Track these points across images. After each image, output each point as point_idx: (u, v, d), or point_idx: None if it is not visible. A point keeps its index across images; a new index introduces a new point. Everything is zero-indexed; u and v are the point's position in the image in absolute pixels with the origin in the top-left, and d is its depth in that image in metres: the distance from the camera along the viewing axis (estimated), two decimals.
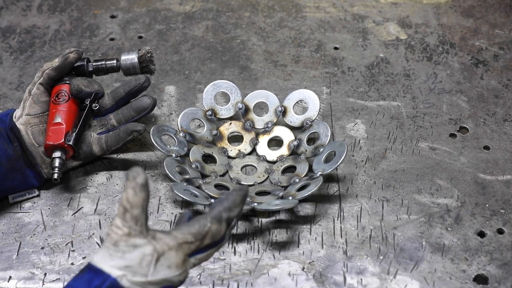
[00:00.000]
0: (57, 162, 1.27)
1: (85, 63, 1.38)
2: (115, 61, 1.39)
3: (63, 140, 1.28)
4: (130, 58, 1.39)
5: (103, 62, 1.39)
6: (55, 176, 1.27)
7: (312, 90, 1.47)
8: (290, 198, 1.29)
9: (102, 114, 1.38)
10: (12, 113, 1.34)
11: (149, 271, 0.96)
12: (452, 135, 1.47)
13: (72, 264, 1.24)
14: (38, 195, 1.33)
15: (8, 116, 1.32)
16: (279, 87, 1.58)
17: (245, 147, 1.45)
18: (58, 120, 1.30)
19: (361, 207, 1.34)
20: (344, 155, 1.31)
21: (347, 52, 1.67)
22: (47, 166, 1.32)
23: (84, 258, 1.25)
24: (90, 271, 0.96)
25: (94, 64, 1.39)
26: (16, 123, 1.31)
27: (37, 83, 1.33)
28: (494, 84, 1.59)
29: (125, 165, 1.41)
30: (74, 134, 1.29)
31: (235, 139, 1.47)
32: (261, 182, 1.40)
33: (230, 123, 1.47)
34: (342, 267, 1.24)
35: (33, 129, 1.31)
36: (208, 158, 1.42)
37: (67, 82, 1.35)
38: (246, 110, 1.47)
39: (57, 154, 1.28)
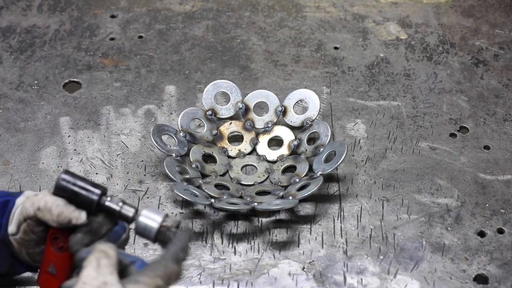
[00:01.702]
0: None
1: (98, 197, 1.03)
2: (133, 212, 1.04)
3: None
4: (151, 221, 1.03)
5: (120, 206, 1.04)
6: None
7: (312, 90, 1.47)
8: (290, 198, 1.29)
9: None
10: (9, 214, 1.07)
11: None
12: (452, 135, 1.47)
13: None
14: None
15: (4, 222, 1.07)
16: (279, 87, 1.58)
17: (245, 147, 1.45)
18: (51, 270, 1.06)
19: (361, 207, 1.34)
20: (344, 155, 1.31)
21: (347, 52, 1.67)
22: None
23: None
24: None
25: (108, 203, 1.04)
26: (10, 237, 1.07)
27: (32, 219, 1.04)
28: (494, 84, 1.59)
29: (125, 165, 1.41)
30: None
31: (235, 139, 1.47)
32: (261, 182, 1.40)
33: (230, 123, 1.47)
34: (342, 267, 1.24)
35: (28, 251, 1.07)
36: (208, 158, 1.42)
37: (67, 230, 1.04)
38: (246, 110, 1.47)
39: None
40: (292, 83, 1.59)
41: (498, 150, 1.44)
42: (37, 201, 1.03)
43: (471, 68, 1.63)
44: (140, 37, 1.71)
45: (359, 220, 1.32)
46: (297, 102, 1.45)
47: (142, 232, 1.03)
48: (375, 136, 1.47)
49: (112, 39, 1.70)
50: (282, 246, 1.28)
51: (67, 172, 1.02)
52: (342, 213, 1.33)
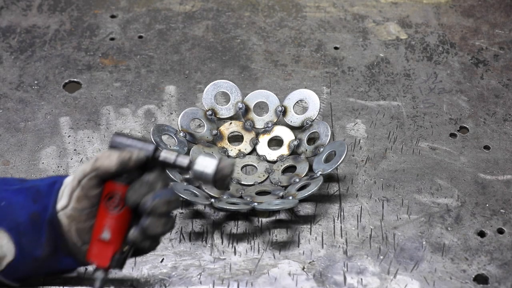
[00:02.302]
0: (97, 284, 1.04)
1: (153, 150, 1.05)
2: (188, 161, 1.05)
3: (108, 264, 1.03)
4: (207, 165, 1.05)
5: (175, 157, 1.05)
6: None
7: (312, 90, 1.47)
8: (290, 198, 1.29)
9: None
10: (58, 190, 1.05)
11: None
12: (452, 135, 1.47)
13: None
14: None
15: (53, 199, 1.04)
16: (279, 87, 1.58)
17: (245, 147, 1.45)
18: (106, 236, 1.03)
19: (361, 207, 1.34)
20: (344, 155, 1.31)
21: (347, 52, 1.67)
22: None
23: None
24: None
25: (163, 155, 1.05)
26: (59, 214, 1.03)
27: (89, 175, 1.02)
28: (494, 83, 1.59)
29: None
30: (123, 257, 1.04)
31: (235, 139, 1.47)
32: (261, 182, 1.40)
33: (230, 123, 1.47)
34: (342, 267, 1.24)
35: (78, 226, 1.04)
36: None
37: (124, 183, 1.03)
38: (246, 110, 1.47)
39: (99, 274, 1.04)
40: (292, 83, 1.59)
41: (498, 150, 1.44)
42: (94, 157, 1.03)
43: (471, 68, 1.63)
44: (140, 37, 1.71)
45: (359, 220, 1.32)
46: (297, 102, 1.45)
47: (200, 177, 1.05)
48: (375, 136, 1.47)
49: (112, 39, 1.70)
50: (282, 246, 1.28)
51: (118, 133, 1.05)
52: (342, 213, 1.33)
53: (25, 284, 1.07)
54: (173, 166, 1.05)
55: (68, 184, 1.03)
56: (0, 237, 1.01)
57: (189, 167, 1.05)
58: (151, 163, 1.04)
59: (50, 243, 1.03)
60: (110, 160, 1.01)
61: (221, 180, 1.04)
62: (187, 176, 1.34)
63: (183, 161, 1.04)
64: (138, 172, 1.03)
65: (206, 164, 1.04)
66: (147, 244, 1.04)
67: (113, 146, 1.04)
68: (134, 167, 1.02)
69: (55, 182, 1.05)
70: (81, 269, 1.21)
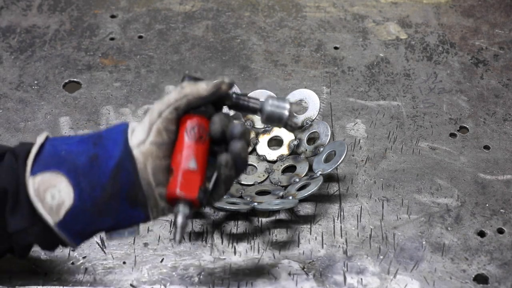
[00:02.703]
0: (180, 219, 0.98)
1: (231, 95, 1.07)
2: (259, 103, 1.08)
3: (197, 195, 0.99)
4: (281, 106, 1.07)
5: (247, 98, 1.08)
6: (177, 237, 0.98)
7: (312, 89, 1.47)
8: (290, 197, 1.29)
9: None
10: (126, 130, 1.00)
11: None
12: (452, 135, 1.47)
13: (72, 263, 1.24)
14: (138, 233, 1.05)
15: (123, 137, 0.99)
16: (279, 86, 1.58)
17: None
18: (193, 165, 0.99)
19: (361, 206, 1.34)
20: (344, 155, 1.31)
21: (347, 51, 1.67)
22: (158, 210, 1.02)
23: (84, 257, 1.25)
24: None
25: (236, 96, 1.07)
26: (134, 150, 0.98)
27: (172, 106, 1.00)
28: (494, 83, 1.59)
29: None
30: (210, 191, 1.02)
31: None
32: (261, 182, 1.40)
33: None
34: (342, 267, 1.24)
35: (155, 163, 0.98)
36: None
37: (204, 114, 1.03)
38: None
39: (184, 209, 0.98)
40: (292, 83, 1.59)
41: (498, 150, 1.44)
42: (177, 88, 1.02)
43: (471, 68, 1.63)
44: (140, 37, 1.71)
45: (359, 220, 1.31)
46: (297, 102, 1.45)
47: (273, 118, 1.08)
48: (375, 136, 1.47)
49: (112, 39, 1.70)
50: (282, 246, 1.28)
51: (189, 76, 1.05)
52: (342, 213, 1.33)
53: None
54: (246, 108, 1.08)
55: (145, 119, 1.00)
56: (59, 180, 0.96)
57: (260, 109, 1.07)
58: (226, 102, 1.07)
59: (113, 185, 0.97)
60: (200, 85, 1.01)
61: (292, 121, 1.07)
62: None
63: (255, 102, 1.08)
64: (213, 108, 1.04)
65: (279, 105, 1.07)
66: (233, 173, 1.02)
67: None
68: (226, 91, 1.04)
69: (120, 125, 1.01)
70: (80, 271, 1.21)
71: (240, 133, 1.02)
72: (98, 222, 0.99)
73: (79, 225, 0.98)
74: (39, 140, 1.01)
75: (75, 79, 1.60)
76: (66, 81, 1.59)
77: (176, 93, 1.00)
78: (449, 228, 1.30)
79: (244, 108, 1.07)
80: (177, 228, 0.97)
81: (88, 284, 1.20)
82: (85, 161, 0.97)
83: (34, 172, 0.97)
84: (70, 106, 1.54)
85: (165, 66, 1.63)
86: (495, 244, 1.28)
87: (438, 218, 1.32)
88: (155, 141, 0.98)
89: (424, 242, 1.28)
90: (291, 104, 1.07)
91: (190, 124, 1.01)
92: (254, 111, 1.08)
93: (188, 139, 1.00)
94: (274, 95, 1.14)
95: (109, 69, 1.62)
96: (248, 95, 1.10)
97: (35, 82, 1.59)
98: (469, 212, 1.33)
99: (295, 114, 1.10)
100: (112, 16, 1.76)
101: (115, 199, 0.97)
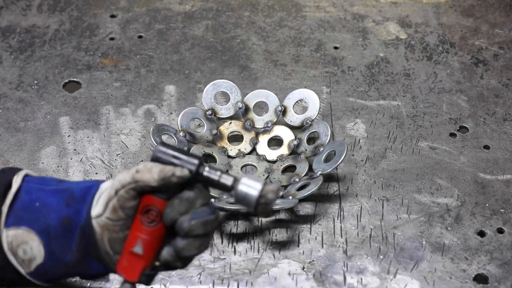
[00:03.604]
0: None
1: (197, 166, 1.00)
2: (232, 180, 0.99)
3: (137, 279, 1.00)
4: (251, 187, 0.98)
5: (219, 174, 0.99)
6: None
7: (312, 89, 1.47)
8: (290, 197, 1.29)
9: None
10: (94, 196, 1.01)
11: None
12: (452, 135, 1.47)
13: None
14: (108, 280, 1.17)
15: (86, 206, 1.01)
16: (279, 86, 1.58)
17: (245, 146, 1.45)
18: (138, 250, 0.99)
19: (361, 206, 1.34)
20: (344, 155, 1.31)
21: (347, 51, 1.67)
22: None
23: None
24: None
25: (207, 171, 1.00)
26: (92, 221, 1.00)
27: (128, 187, 0.98)
28: (494, 83, 1.59)
29: (125, 165, 1.41)
30: (152, 273, 1.01)
31: (235, 138, 1.47)
32: None
33: (230, 123, 1.47)
34: (342, 267, 1.24)
35: (111, 235, 1.00)
36: (208, 158, 1.42)
37: (163, 198, 0.99)
38: (246, 109, 1.47)
39: (126, 285, 1.01)
40: (292, 83, 1.59)
41: (498, 150, 1.44)
42: (134, 168, 0.98)
43: (471, 68, 1.63)
44: (140, 37, 1.71)
45: (359, 220, 1.32)
46: (297, 102, 1.45)
47: (242, 199, 0.98)
48: (375, 136, 1.47)
49: (112, 39, 1.70)
50: (282, 246, 1.28)
51: (163, 143, 1.00)
52: (342, 213, 1.33)
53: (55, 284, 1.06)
54: (217, 184, 0.99)
55: (104, 191, 1.00)
56: (31, 238, 1.00)
57: (232, 187, 0.99)
58: (193, 179, 0.99)
59: (80, 248, 1.00)
60: (152, 174, 0.96)
61: (264, 205, 0.97)
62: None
63: (227, 179, 0.99)
64: (179, 187, 0.98)
65: (251, 184, 0.98)
66: (179, 264, 1.00)
67: (155, 156, 0.99)
68: (176, 184, 0.97)
69: (92, 187, 1.01)
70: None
71: (186, 231, 0.96)
72: (69, 274, 1.04)
73: (50, 276, 1.02)
74: (15, 184, 1.02)
75: (75, 79, 1.60)
76: (66, 81, 1.59)
77: (129, 176, 0.97)
78: (449, 228, 1.30)
79: (214, 184, 1.00)
80: None
81: (88, 284, 1.20)
82: (57, 222, 1.00)
83: (8, 225, 1.00)
84: (70, 106, 1.54)
85: (165, 66, 1.63)
86: (495, 244, 1.28)
87: (438, 218, 1.32)
88: (111, 218, 0.99)
89: (424, 242, 1.28)
90: (265, 184, 0.97)
91: (144, 208, 0.99)
92: (225, 188, 0.99)
93: (139, 222, 0.99)
94: (254, 176, 1.03)
95: (109, 69, 1.62)
96: (221, 173, 0.99)
97: (35, 82, 1.59)
98: (469, 212, 1.33)
99: (269, 197, 0.97)
100: (112, 16, 1.76)
101: (83, 260, 1.01)
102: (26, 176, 1.04)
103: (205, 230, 0.97)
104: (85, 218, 0.99)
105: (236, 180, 0.99)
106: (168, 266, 1.01)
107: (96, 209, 0.99)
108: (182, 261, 1.00)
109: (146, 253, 0.99)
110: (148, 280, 1.00)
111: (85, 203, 1.00)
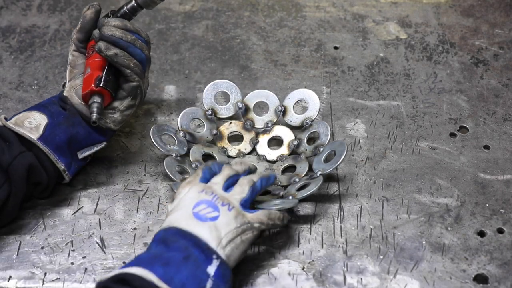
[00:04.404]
0: (94, 107, 1.29)
1: (109, 16, 1.35)
2: (133, 1, 1.36)
3: (93, 84, 1.29)
4: None
5: (124, 9, 1.36)
6: (93, 118, 1.29)
7: (312, 89, 1.47)
8: (290, 197, 1.29)
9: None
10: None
11: None
12: (452, 135, 1.47)
13: (72, 263, 1.24)
14: (105, 146, 1.35)
15: (60, 92, 1.37)
16: (279, 86, 1.58)
17: (245, 146, 1.45)
18: (88, 70, 1.31)
19: (361, 206, 1.34)
20: (344, 155, 1.31)
21: (347, 51, 1.67)
22: (105, 119, 1.34)
23: (84, 257, 1.25)
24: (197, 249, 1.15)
25: (114, 13, 1.36)
26: (63, 93, 1.34)
27: (70, 52, 1.37)
28: (494, 83, 1.59)
29: (125, 165, 1.41)
30: (102, 76, 1.30)
31: (235, 138, 1.47)
32: None
33: (230, 123, 1.47)
34: (342, 267, 1.24)
35: (76, 90, 1.33)
36: (208, 158, 1.42)
37: (93, 38, 1.35)
38: (246, 109, 1.47)
39: (93, 99, 1.30)
40: (292, 83, 1.59)
41: (498, 150, 1.44)
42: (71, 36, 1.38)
43: (471, 68, 1.63)
44: None
45: (359, 220, 1.32)
46: (297, 102, 1.45)
47: (148, 2, 1.37)
48: (375, 136, 1.47)
49: None
50: (282, 246, 1.28)
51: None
52: (342, 213, 1.33)
53: None
54: (129, 15, 1.38)
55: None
56: (32, 114, 1.29)
57: (139, 4, 1.36)
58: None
59: (69, 107, 1.32)
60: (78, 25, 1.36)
61: None
62: (187, 176, 1.34)
63: (131, 5, 1.38)
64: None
65: None
66: (117, 51, 1.29)
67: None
68: (93, 21, 1.34)
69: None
70: (80, 270, 1.21)
71: (100, 22, 1.31)
72: (72, 132, 1.30)
73: (58, 140, 1.28)
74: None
75: None
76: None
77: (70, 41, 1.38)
78: (449, 228, 1.30)
79: (127, 15, 1.37)
80: (92, 113, 1.29)
81: (88, 284, 1.20)
82: (48, 101, 1.34)
83: (10, 118, 1.30)
84: None
85: (165, 66, 1.63)
86: (495, 244, 1.28)
87: (438, 218, 1.32)
88: (70, 78, 1.36)
89: (424, 242, 1.28)
90: None
91: (87, 48, 1.35)
92: (136, 10, 1.37)
93: (86, 59, 1.34)
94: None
95: None
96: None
97: (35, 82, 1.59)
98: (469, 212, 1.33)
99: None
100: None
101: (75, 116, 1.32)
102: None
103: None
104: (59, 95, 1.35)
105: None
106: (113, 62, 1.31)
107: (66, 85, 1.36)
108: (116, 45, 1.30)
109: (93, 69, 1.31)
110: (102, 81, 1.30)
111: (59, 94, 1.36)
